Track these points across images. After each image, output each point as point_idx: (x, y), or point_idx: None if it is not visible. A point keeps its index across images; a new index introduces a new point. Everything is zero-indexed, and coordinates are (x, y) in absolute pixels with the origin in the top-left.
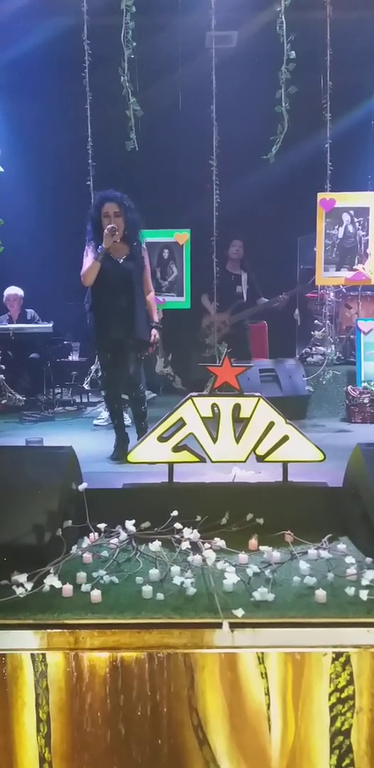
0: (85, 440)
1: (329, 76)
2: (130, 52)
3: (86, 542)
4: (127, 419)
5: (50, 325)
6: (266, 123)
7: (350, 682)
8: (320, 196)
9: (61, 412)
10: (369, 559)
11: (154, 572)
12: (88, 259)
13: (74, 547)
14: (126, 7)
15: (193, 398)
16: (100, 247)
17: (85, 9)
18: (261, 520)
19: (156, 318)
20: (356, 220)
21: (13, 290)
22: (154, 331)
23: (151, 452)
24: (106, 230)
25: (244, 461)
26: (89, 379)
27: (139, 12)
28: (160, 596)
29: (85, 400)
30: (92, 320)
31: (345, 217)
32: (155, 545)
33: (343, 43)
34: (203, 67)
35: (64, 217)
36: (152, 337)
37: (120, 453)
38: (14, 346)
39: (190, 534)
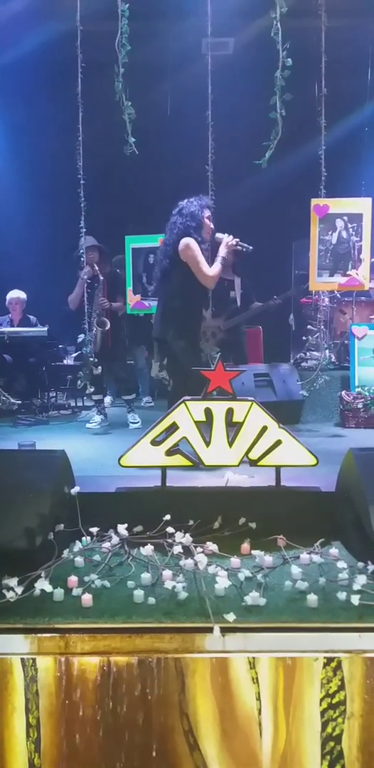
0: (79, 444)
1: (323, 83)
2: (123, 56)
3: (78, 546)
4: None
5: (45, 329)
6: (262, 129)
7: (341, 687)
8: (314, 201)
9: (55, 415)
10: (360, 564)
11: (146, 576)
12: None
13: (66, 551)
14: (121, 12)
15: (186, 402)
16: None
17: (79, 15)
18: (253, 525)
19: None
20: (350, 226)
21: (16, 294)
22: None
23: (144, 456)
24: None
25: (237, 465)
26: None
27: (135, 18)
28: (152, 600)
29: (79, 404)
30: None
31: (339, 223)
32: (147, 549)
33: (338, 50)
34: (199, 73)
35: (60, 222)
36: None
37: None
38: (9, 350)
39: (182, 538)
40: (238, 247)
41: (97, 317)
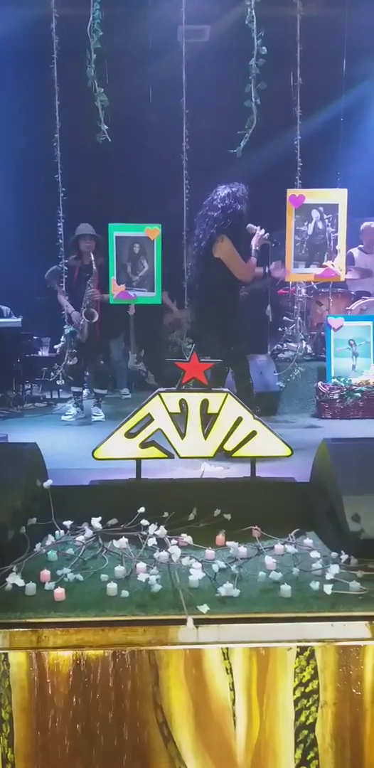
0: (54, 437)
1: (299, 73)
2: (95, 42)
3: (51, 540)
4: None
5: (19, 319)
6: (238, 118)
7: (314, 676)
8: (290, 192)
9: (30, 408)
10: (334, 554)
11: (120, 569)
12: None
13: (38, 545)
14: None
15: (161, 394)
16: None
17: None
18: (228, 516)
19: None
20: (325, 216)
21: None
22: None
23: (118, 448)
24: None
25: (212, 457)
26: None
27: (111, 4)
28: (125, 593)
29: (54, 396)
30: None
31: (315, 214)
32: (121, 542)
33: (314, 40)
34: (175, 60)
35: (34, 211)
36: None
37: None
38: None
39: (157, 530)
40: (268, 241)
41: (86, 308)
